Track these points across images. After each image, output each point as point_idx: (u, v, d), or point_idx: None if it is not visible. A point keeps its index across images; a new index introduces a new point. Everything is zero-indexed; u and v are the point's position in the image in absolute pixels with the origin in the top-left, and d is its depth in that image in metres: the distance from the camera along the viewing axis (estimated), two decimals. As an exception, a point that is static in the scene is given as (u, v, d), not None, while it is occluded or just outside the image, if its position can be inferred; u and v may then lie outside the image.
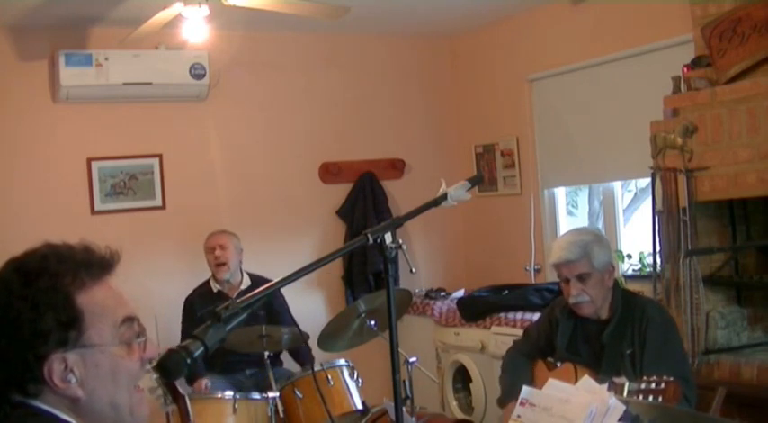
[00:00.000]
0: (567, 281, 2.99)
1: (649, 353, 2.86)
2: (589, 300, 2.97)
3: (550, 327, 3.21)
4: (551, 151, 5.40)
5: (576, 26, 5.04)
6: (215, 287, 4.68)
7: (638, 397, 2.33)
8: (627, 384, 2.39)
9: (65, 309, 1.30)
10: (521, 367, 3.27)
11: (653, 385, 2.33)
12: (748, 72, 3.54)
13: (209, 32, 4.37)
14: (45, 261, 1.33)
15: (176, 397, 2.86)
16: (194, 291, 4.76)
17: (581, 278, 2.96)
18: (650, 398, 2.32)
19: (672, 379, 2.33)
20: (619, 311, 2.98)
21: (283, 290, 4.19)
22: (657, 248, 3.80)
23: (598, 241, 3.03)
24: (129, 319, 1.38)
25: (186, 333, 4.50)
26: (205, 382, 4.24)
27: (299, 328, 4.54)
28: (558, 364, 3.11)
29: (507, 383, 3.22)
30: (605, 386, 2.18)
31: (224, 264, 4.61)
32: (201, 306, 4.52)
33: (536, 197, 5.49)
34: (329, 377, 3.94)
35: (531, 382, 3.13)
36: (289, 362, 4.69)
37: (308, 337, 3.82)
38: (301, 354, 4.54)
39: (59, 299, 1.30)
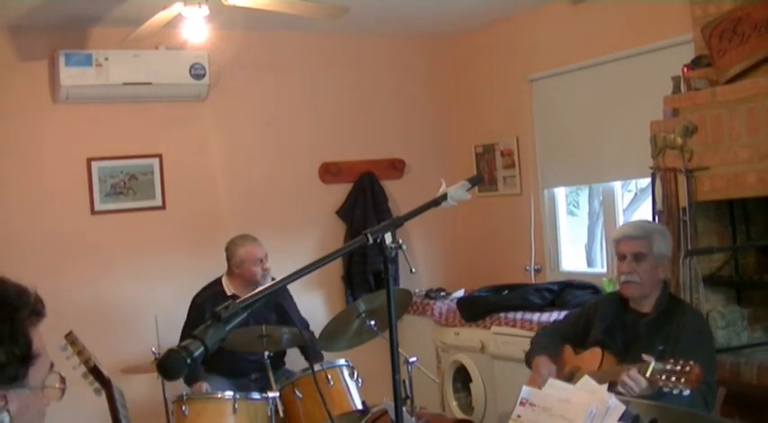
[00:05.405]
0: (623, 258, 3.11)
1: (681, 352, 2.87)
2: (639, 281, 3.07)
3: (591, 316, 3.26)
4: (551, 151, 5.40)
5: (576, 26, 5.04)
6: (229, 290, 4.43)
7: (661, 377, 2.46)
8: (653, 364, 2.52)
9: (22, 344, 1.25)
10: (551, 338, 3.34)
11: (678, 367, 2.45)
12: (748, 72, 3.53)
13: (209, 32, 4.37)
14: (4, 290, 1.27)
15: (103, 382, 2.83)
16: (203, 292, 4.53)
17: (636, 258, 3.08)
18: (673, 378, 2.43)
19: (697, 364, 2.40)
20: (662, 308, 3.06)
21: (283, 290, 4.15)
22: (658, 248, 3.80)
23: (661, 233, 3.18)
24: (52, 366, 1.36)
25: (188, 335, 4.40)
26: (205, 386, 4.14)
27: (308, 329, 4.49)
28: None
29: (539, 343, 3.32)
30: (605, 386, 2.17)
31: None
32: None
33: (536, 197, 5.49)
34: (329, 377, 3.93)
35: (559, 361, 3.19)
36: (290, 362, 4.69)
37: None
38: (310, 352, 4.33)
39: (18, 333, 1.25)
